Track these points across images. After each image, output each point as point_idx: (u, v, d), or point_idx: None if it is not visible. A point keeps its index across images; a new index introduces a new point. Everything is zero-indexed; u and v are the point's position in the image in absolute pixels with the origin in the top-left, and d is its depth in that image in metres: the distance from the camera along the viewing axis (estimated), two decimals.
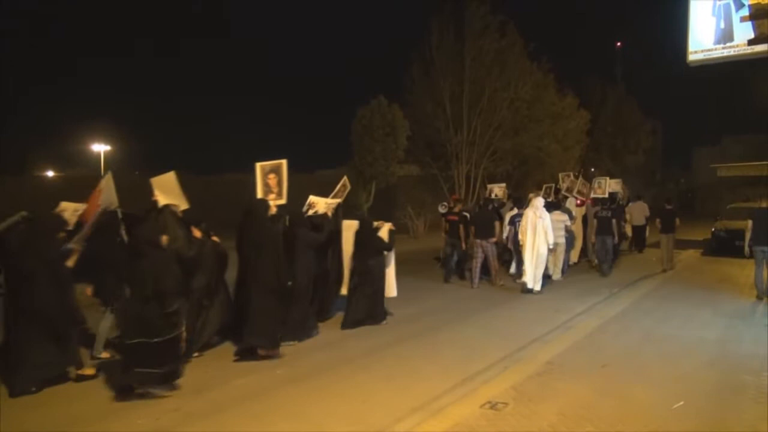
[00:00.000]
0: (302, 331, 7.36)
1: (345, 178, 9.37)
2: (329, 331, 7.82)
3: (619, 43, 55.44)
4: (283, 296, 6.70)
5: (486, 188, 16.46)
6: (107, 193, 6.78)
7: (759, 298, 9.97)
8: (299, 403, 5.21)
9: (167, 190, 6.95)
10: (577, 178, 15.71)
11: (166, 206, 6.35)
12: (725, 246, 16.40)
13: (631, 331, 7.69)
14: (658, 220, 14.18)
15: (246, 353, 6.50)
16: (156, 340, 5.29)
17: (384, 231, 8.36)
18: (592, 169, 35.82)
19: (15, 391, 5.40)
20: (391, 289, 8.69)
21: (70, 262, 5.88)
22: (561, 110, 26.53)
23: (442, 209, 13.04)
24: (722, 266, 14.33)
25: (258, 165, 8.00)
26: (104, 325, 6.57)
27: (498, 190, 14.21)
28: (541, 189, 14.60)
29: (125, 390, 5.33)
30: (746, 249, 10.63)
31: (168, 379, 5.46)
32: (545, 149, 25.72)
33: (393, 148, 22.42)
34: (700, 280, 12.17)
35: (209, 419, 4.84)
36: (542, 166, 26.58)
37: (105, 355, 6.54)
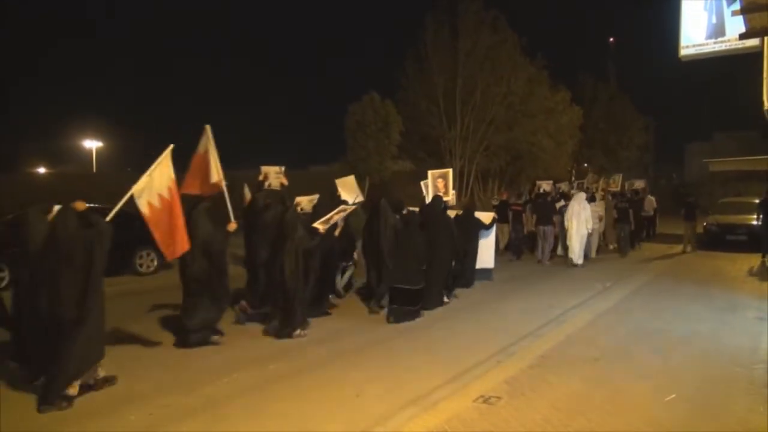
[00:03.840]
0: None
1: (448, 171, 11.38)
2: (322, 326, 7.80)
3: (612, 39, 55.50)
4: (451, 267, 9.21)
5: (526, 185, 18.72)
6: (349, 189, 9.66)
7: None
8: (292, 398, 5.20)
9: (348, 189, 9.70)
10: (597, 178, 18.64)
11: (382, 200, 8.89)
12: (717, 240, 16.51)
13: (624, 325, 7.72)
14: (683, 211, 16.56)
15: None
16: (415, 288, 8.06)
17: (487, 217, 10.60)
18: (585, 165, 35.90)
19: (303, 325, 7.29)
20: (490, 261, 10.74)
21: (337, 233, 8.35)
22: (554, 105, 26.55)
23: (494, 201, 15.83)
24: (714, 260, 14.41)
25: (429, 172, 11.18)
26: (347, 275, 9.40)
27: (546, 185, 16.30)
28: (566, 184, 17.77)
29: (396, 317, 7.88)
30: None
31: (416, 315, 8.09)
32: (538, 144, 25.73)
33: (386, 143, 22.41)
34: (691, 275, 12.23)
35: (202, 415, 4.82)
36: (536, 161, 26.59)
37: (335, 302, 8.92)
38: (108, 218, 5.57)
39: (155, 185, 6.09)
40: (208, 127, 7.17)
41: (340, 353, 6.55)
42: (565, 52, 64.76)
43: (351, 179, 10.16)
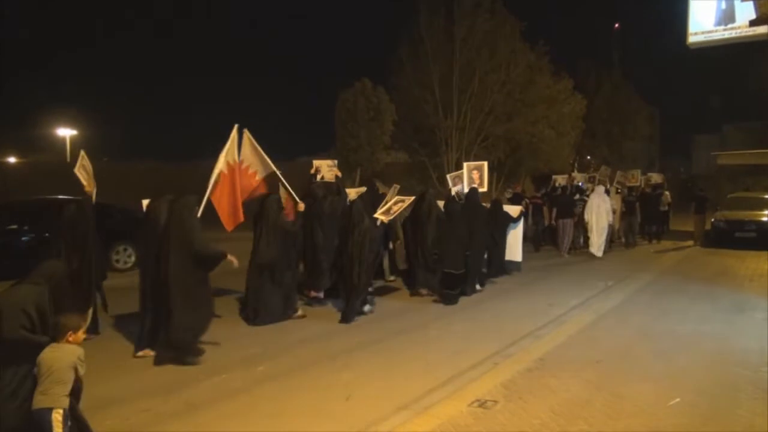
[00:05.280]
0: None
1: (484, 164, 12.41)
2: (313, 326, 7.83)
3: (616, 25, 55.52)
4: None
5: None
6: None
7: None
8: (279, 402, 5.21)
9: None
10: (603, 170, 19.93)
11: (428, 191, 10.70)
12: (725, 237, 16.62)
13: (627, 326, 7.79)
14: (693, 204, 17.95)
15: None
16: (458, 272, 9.21)
17: (515, 210, 11.82)
18: (588, 157, 35.96)
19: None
20: (518, 254, 11.80)
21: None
22: (556, 94, 26.43)
23: (508, 194, 16.84)
24: (721, 258, 14.53)
25: (465, 164, 12.37)
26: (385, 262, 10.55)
27: (561, 179, 18.06)
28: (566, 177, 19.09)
29: (444, 300, 9.16)
30: None
31: (451, 299, 9.18)
32: (539, 135, 25.66)
33: (378, 133, 22.32)
34: (698, 273, 12.33)
35: (181, 420, 4.82)
36: (536, 153, 26.53)
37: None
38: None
39: (220, 164, 7.30)
40: (246, 132, 8.13)
41: (331, 354, 6.57)
42: (568, 38, 64.89)
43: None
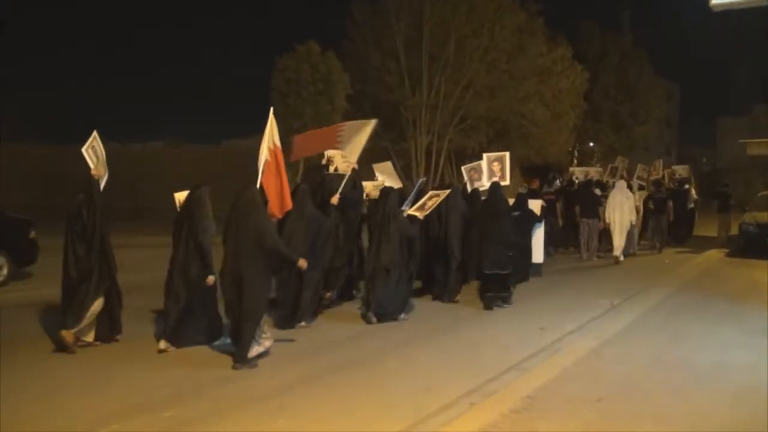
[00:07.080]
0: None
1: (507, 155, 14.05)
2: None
3: None
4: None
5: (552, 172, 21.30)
6: (389, 174, 12.56)
7: None
8: None
9: (387, 173, 12.50)
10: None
11: (452, 184, 11.81)
12: (755, 244, 16.99)
13: (635, 355, 7.92)
14: (716, 202, 19.26)
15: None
16: (503, 272, 10.50)
17: (537, 206, 13.33)
18: (591, 144, 36.50)
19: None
20: (539, 255, 13.48)
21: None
22: (551, 64, 26.63)
23: (522, 190, 17.72)
24: (751, 270, 14.89)
25: (485, 155, 14.08)
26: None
27: (579, 173, 19.99)
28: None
29: (487, 306, 10.46)
30: None
31: (508, 299, 10.63)
32: (530, 116, 25.82)
33: (328, 110, 22.20)
34: (722, 289, 12.65)
35: None
36: (526, 138, 26.68)
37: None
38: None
39: (263, 150, 8.48)
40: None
41: (264, 393, 6.47)
42: None
43: (389, 165, 13.21)
